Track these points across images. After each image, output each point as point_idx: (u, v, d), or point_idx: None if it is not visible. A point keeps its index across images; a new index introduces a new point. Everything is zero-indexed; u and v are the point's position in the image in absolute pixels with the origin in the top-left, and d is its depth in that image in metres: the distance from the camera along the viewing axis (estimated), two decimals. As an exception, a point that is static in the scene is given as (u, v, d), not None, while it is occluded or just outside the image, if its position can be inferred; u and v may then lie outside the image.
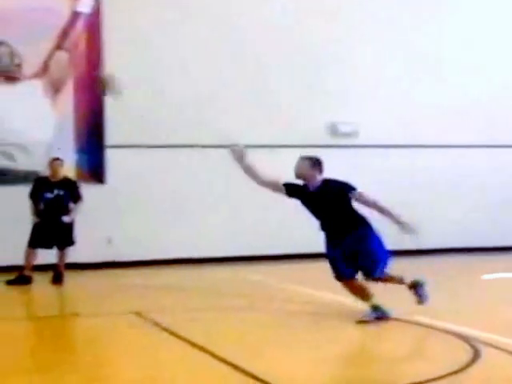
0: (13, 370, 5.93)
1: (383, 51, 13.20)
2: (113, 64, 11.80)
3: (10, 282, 10.29)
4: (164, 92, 12.14)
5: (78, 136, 11.92)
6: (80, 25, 11.94)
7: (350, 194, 7.32)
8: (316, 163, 7.41)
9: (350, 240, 7.32)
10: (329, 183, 7.38)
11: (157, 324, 7.60)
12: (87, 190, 10.90)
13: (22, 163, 11.46)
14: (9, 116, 11.41)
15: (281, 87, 12.66)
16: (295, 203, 7.61)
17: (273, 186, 7.55)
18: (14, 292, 10.09)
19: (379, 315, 7.37)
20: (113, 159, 12.00)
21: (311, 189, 7.40)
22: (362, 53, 13.07)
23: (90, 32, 11.96)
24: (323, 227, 7.50)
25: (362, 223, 7.40)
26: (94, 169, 11.98)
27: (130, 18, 11.98)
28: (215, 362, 6.09)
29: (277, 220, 12.40)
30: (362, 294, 7.48)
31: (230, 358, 6.04)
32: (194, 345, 6.63)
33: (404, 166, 13.21)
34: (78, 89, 11.94)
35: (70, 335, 8.02)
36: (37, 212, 10.52)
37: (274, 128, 12.55)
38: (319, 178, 7.39)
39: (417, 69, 13.33)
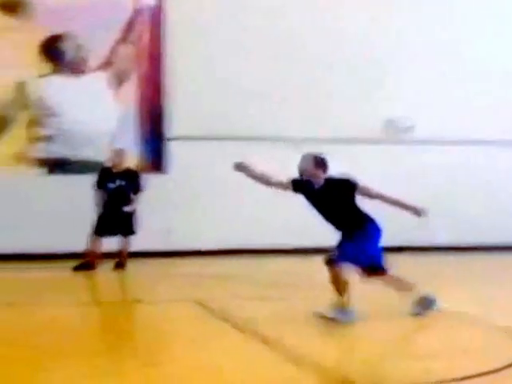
0: (75, 353, 6.13)
1: (440, 45, 13.08)
2: (175, 56, 11.95)
3: (75, 268, 10.59)
4: (225, 84, 12.21)
5: (141, 127, 12.09)
6: (144, 18, 12.10)
7: (354, 189, 7.17)
8: (320, 162, 7.26)
9: (358, 236, 7.23)
10: (331, 181, 7.25)
11: (215, 313, 7.71)
12: (149, 181, 11.08)
13: (86, 153, 11.68)
14: (74, 107, 11.64)
15: (338, 82, 12.63)
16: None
17: (280, 185, 7.48)
18: (80, 278, 10.35)
19: (424, 308, 7.31)
20: (174, 150, 12.15)
21: (316, 187, 7.28)
22: (418, 47, 12.99)
23: (154, 25, 12.11)
24: (331, 224, 7.39)
25: (368, 220, 7.28)
26: (156, 159, 12.14)
27: (192, 11, 12.08)
28: (271, 352, 6.14)
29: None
30: (399, 285, 7.40)
31: (286, 348, 6.10)
32: (252, 334, 6.73)
33: (461, 161, 13.11)
34: (142, 81, 12.10)
35: (131, 321, 8.17)
36: (101, 202, 10.79)
37: (330, 123, 12.53)
38: (323, 176, 7.25)
39: (473, 64, 13.19)
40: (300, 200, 7.49)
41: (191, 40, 12.04)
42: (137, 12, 12.05)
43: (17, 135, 11.63)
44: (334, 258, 7.18)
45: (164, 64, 12.06)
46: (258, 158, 12.15)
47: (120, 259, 10.86)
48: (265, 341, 6.44)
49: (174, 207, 12.12)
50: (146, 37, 12.10)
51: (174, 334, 7.08)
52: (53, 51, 11.70)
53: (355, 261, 7.20)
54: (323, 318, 7.14)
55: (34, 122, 11.66)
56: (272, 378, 5.56)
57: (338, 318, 7.07)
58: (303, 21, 12.56)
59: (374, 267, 7.31)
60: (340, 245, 7.27)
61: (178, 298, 8.66)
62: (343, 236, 7.30)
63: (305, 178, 7.30)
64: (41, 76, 11.62)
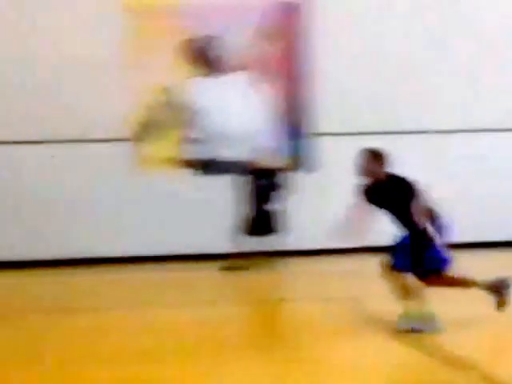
0: (221, 348, 6.51)
1: None
2: (321, 53, 11.86)
3: (225, 269, 10.71)
4: (372, 78, 12.04)
5: (284, 125, 12.10)
6: (286, 14, 12.12)
7: (413, 192, 6.79)
8: (378, 156, 7.01)
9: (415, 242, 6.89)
10: (395, 178, 6.94)
11: (357, 310, 7.74)
12: (294, 179, 11.12)
13: (231, 153, 11.82)
14: (215, 107, 11.82)
15: (478, 68, 12.10)
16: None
17: (364, 206, 7.16)
18: (228, 278, 10.46)
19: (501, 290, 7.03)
20: (321, 147, 12.08)
21: (375, 185, 7.01)
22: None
23: (296, 21, 12.10)
24: (397, 223, 7.06)
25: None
26: (301, 157, 12.11)
27: (336, 5, 11.96)
28: (418, 351, 6.05)
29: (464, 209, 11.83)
30: (460, 284, 7.14)
31: (434, 347, 5.99)
32: (398, 333, 6.65)
33: None
34: (285, 78, 12.12)
35: (276, 319, 8.33)
36: (247, 201, 10.89)
37: (472, 111, 11.97)
38: (383, 172, 6.99)
39: None
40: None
41: (340, 33, 11.89)
42: (279, 8, 12.08)
43: (167, 138, 11.94)
44: (393, 265, 6.94)
45: (307, 60, 12.03)
46: (404, 151, 11.83)
47: (266, 259, 10.87)
48: (411, 339, 6.34)
49: (326, 204, 11.97)
50: (290, 34, 12.11)
51: (316, 331, 7.10)
52: (196, 53, 11.92)
53: (410, 267, 6.93)
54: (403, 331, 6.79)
55: (182, 125, 11.93)
56: (421, 379, 5.47)
57: (416, 327, 6.73)
58: (444, 14, 12.11)
59: (426, 272, 6.98)
60: (398, 250, 6.98)
61: (319, 295, 8.69)
62: (401, 240, 6.99)
63: (363, 175, 7.08)
64: (187, 78, 11.88)
